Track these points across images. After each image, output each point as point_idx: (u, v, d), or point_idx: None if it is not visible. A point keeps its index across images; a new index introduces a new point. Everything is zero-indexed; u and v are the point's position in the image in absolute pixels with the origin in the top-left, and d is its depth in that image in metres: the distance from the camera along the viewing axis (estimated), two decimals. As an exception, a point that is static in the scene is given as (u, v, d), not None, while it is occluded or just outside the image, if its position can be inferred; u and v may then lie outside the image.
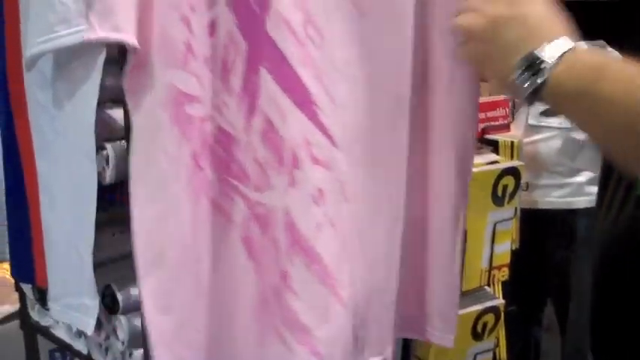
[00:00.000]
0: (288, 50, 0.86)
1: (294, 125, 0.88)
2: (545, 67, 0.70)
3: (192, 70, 0.87)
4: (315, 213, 0.88)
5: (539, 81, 0.70)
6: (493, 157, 1.63)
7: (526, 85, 0.71)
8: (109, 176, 1.09)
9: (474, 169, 1.70)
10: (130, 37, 0.83)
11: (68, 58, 1.05)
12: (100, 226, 1.16)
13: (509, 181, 1.56)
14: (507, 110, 1.77)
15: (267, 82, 0.87)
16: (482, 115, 1.66)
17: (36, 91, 1.13)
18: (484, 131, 1.70)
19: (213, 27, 0.87)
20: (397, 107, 0.92)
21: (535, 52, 0.70)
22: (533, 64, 0.70)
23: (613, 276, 0.76)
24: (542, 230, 2.09)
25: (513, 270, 1.69)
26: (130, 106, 0.89)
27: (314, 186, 0.89)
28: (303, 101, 0.88)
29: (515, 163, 1.61)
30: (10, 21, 1.15)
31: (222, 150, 0.89)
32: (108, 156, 1.10)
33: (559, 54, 0.69)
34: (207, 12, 0.87)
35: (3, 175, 1.27)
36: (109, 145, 1.11)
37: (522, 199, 1.80)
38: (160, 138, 0.88)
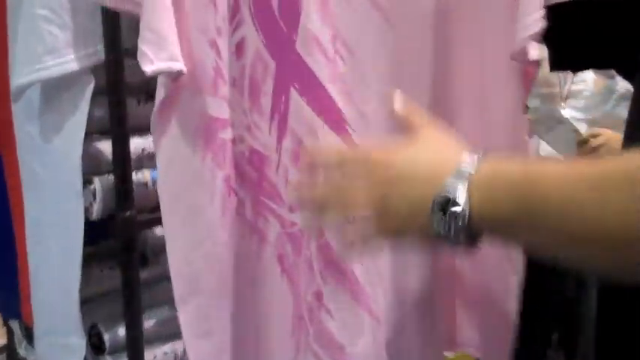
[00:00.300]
0: (317, 69, 0.85)
1: (325, 143, 0.87)
2: (457, 210, 0.56)
3: (223, 94, 0.87)
4: (348, 232, 0.87)
5: (460, 224, 0.56)
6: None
7: (451, 231, 0.57)
8: (96, 211, 1.06)
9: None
10: (183, 66, 0.84)
11: (57, 89, 1.03)
12: (88, 261, 1.13)
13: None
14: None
15: (297, 102, 0.85)
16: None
17: (24, 123, 1.10)
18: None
19: (240, 48, 0.86)
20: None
21: (436, 198, 0.57)
22: (446, 206, 0.57)
23: (617, 302, 0.69)
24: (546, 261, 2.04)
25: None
26: (157, 136, 0.87)
27: None
28: (335, 120, 0.87)
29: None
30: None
31: (254, 170, 0.89)
32: (95, 190, 1.07)
33: (463, 191, 0.56)
34: (233, 33, 0.86)
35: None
36: (96, 179, 1.08)
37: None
38: (193, 167, 0.88)
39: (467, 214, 0.56)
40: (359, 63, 0.86)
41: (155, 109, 0.86)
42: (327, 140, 0.86)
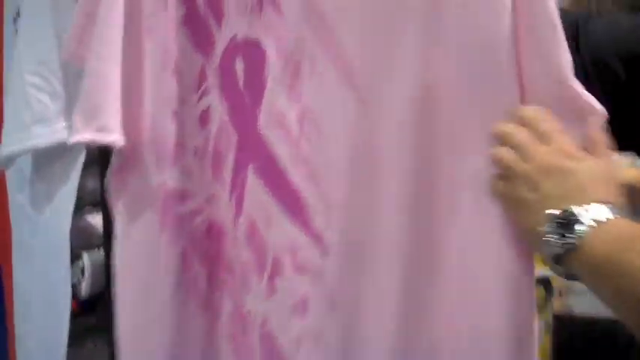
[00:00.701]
0: (279, 149, 0.78)
1: (280, 230, 0.80)
2: (580, 230, 0.63)
3: (182, 165, 0.82)
4: (295, 325, 0.81)
5: (571, 242, 0.64)
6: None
7: (556, 243, 0.64)
8: (84, 289, 1.02)
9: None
10: (117, 138, 0.77)
11: (47, 157, 0.99)
12: (80, 335, 1.08)
13: (538, 292, 1.42)
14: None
15: (253, 182, 0.80)
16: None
17: (15, 191, 1.06)
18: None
19: (205, 117, 0.80)
20: (397, 208, 0.82)
21: (574, 210, 0.65)
22: (568, 224, 0.64)
23: None
24: (579, 342, 1.92)
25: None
26: (114, 210, 0.82)
27: (297, 296, 0.81)
28: (292, 205, 0.80)
29: (545, 271, 1.46)
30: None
31: (213, 244, 0.83)
32: (84, 266, 1.02)
33: (598, 219, 0.64)
34: (198, 102, 0.81)
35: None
36: (85, 255, 1.03)
37: (555, 305, 1.65)
38: (149, 242, 0.82)
39: (581, 238, 0.63)
40: (327, 145, 0.78)
41: (109, 179, 0.81)
42: (283, 228, 0.80)
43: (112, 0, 0.76)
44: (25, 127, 0.95)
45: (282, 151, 0.78)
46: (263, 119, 0.78)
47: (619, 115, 0.82)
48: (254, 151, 0.79)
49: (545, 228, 0.65)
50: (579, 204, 0.65)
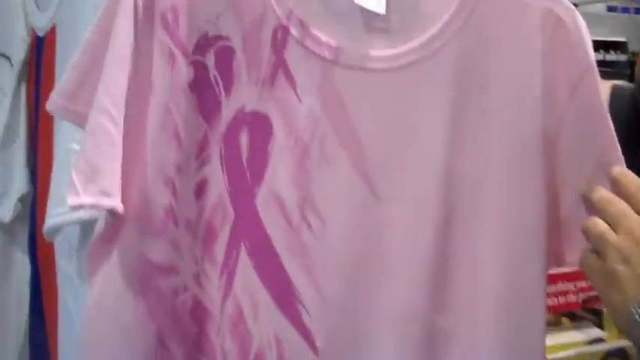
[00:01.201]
0: (275, 233, 0.71)
1: (267, 320, 0.73)
2: None
3: (170, 237, 0.74)
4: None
5: None
6: (597, 332, 1.38)
7: None
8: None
9: (572, 351, 1.46)
10: (117, 204, 0.71)
11: (95, 227, 0.96)
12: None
13: (616, 364, 1.31)
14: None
15: (245, 264, 0.72)
16: (582, 284, 1.43)
17: (61, 260, 1.04)
18: (585, 302, 1.46)
19: (202, 188, 0.74)
20: (402, 322, 0.73)
21: None
22: None
23: None
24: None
25: None
26: (90, 274, 0.75)
27: None
28: (283, 295, 0.72)
29: (623, 342, 1.35)
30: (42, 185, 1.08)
31: (194, 324, 0.76)
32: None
33: None
34: (196, 172, 0.74)
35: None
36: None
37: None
38: (123, 315, 0.75)
39: None
40: (329, 237, 0.71)
41: (91, 244, 0.75)
42: (271, 319, 0.72)
43: (121, 55, 0.71)
44: (64, 200, 0.92)
45: (278, 235, 0.72)
46: (261, 198, 0.72)
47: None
48: (249, 230, 0.72)
49: (637, 310, 0.59)
50: None
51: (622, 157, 0.69)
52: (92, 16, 1.03)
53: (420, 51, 0.70)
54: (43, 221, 1.03)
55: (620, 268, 0.62)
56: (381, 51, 0.71)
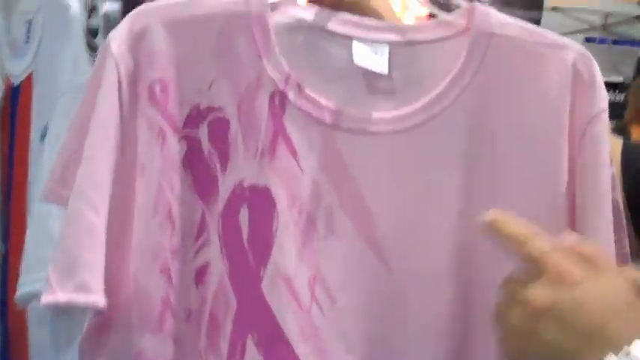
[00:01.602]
0: (285, 319, 0.65)
1: None
2: None
3: (170, 331, 0.68)
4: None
5: None
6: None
7: None
8: None
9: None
10: (98, 299, 0.64)
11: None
12: None
13: None
14: None
15: (253, 356, 0.66)
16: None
17: (34, 329, 0.96)
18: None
19: (202, 274, 0.68)
20: None
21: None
22: None
23: None
24: None
25: None
26: None
27: None
28: None
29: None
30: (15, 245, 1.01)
31: None
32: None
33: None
34: (195, 257, 0.68)
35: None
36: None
37: None
38: None
39: None
40: (342, 315, 0.66)
41: (81, 339, 0.68)
42: None
43: (103, 135, 0.65)
44: (46, 263, 0.85)
45: (288, 320, 0.65)
46: (267, 282, 0.65)
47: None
48: (255, 319, 0.66)
49: None
50: (598, 354, 0.49)
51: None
52: (72, 66, 0.98)
53: (425, 111, 0.66)
54: (14, 285, 0.96)
55: (528, 345, 0.54)
56: (384, 113, 0.66)
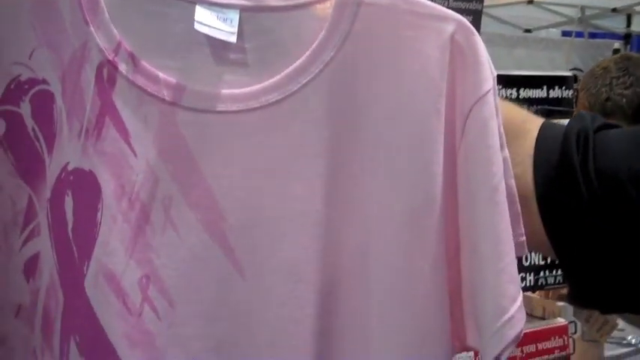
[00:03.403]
0: (110, 323, 0.58)
1: None
2: None
3: (1, 328, 0.61)
4: None
5: None
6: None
7: None
8: None
9: None
10: None
11: None
12: None
13: None
14: (566, 339, 1.36)
15: None
16: (531, 348, 1.31)
17: None
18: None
19: (33, 265, 0.60)
20: None
21: None
22: None
23: None
24: None
25: None
26: None
27: None
28: None
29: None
30: None
31: None
32: None
33: None
34: (24, 247, 0.60)
35: None
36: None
37: None
38: None
39: None
40: (182, 319, 0.58)
41: None
42: None
43: None
44: None
45: (114, 324, 0.58)
46: (90, 280, 0.58)
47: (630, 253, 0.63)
48: (78, 320, 0.58)
49: None
50: None
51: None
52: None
53: (282, 88, 0.57)
54: None
55: None
56: (234, 89, 0.58)
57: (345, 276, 0.59)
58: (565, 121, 0.69)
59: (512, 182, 0.60)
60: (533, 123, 0.69)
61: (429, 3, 0.59)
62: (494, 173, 0.58)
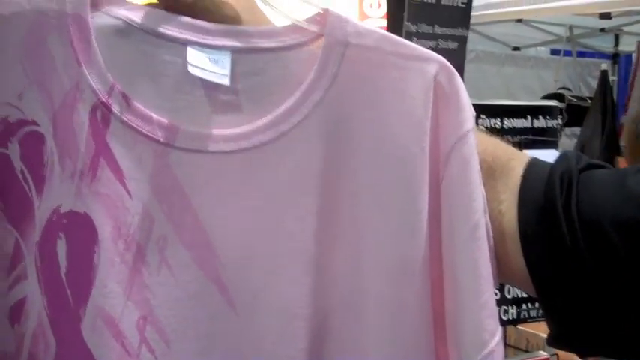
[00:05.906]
0: None
1: None
2: None
3: None
4: None
5: None
6: None
7: None
8: None
9: None
10: None
11: None
12: None
13: None
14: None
15: None
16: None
17: None
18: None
19: (19, 310, 0.60)
20: None
21: None
22: None
23: None
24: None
25: None
26: None
27: None
28: None
29: None
30: None
31: None
32: None
33: None
34: (9, 292, 0.60)
35: None
36: None
37: None
38: None
39: None
40: (177, 357, 0.58)
41: None
42: None
43: None
44: None
45: None
46: (87, 323, 0.57)
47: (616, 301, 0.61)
48: None
49: None
50: None
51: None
52: None
53: (273, 128, 0.58)
54: None
55: None
56: (226, 129, 0.58)
57: (336, 309, 0.59)
58: (553, 156, 0.68)
59: (487, 218, 0.61)
60: (519, 160, 0.67)
61: (412, 44, 0.61)
62: (476, 209, 0.59)
